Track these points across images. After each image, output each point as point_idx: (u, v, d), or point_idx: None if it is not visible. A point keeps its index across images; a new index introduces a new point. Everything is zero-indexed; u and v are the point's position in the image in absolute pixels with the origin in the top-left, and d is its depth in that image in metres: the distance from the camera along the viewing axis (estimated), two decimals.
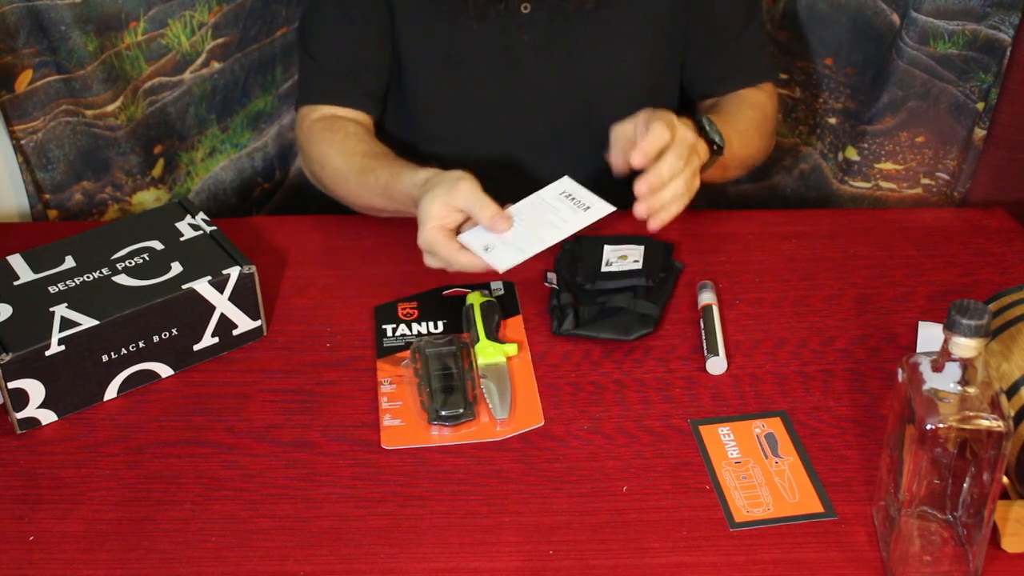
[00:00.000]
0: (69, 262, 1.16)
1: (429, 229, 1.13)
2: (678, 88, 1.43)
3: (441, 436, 1.06)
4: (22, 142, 1.39)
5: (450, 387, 1.09)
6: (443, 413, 1.07)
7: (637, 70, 1.36)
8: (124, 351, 1.10)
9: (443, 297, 1.24)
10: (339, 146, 1.31)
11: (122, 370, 1.11)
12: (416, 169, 1.21)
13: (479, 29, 1.32)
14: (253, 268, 1.15)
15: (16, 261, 1.16)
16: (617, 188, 1.20)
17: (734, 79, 1.40)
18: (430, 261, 1.15)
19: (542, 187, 1.18)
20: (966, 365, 0.85)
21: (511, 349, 1.15)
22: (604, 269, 1.24)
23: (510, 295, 1.24)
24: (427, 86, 1.38)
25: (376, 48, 1.36)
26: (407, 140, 1.42)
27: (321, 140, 1.33)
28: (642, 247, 1.26)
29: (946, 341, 0.85)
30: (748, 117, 1.36)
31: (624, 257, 1.25)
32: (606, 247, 1.27)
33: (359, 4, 1.34)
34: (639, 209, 1.14)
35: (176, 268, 1.14)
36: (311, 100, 1.38)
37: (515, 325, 1.20)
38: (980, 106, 1.43)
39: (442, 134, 1.40)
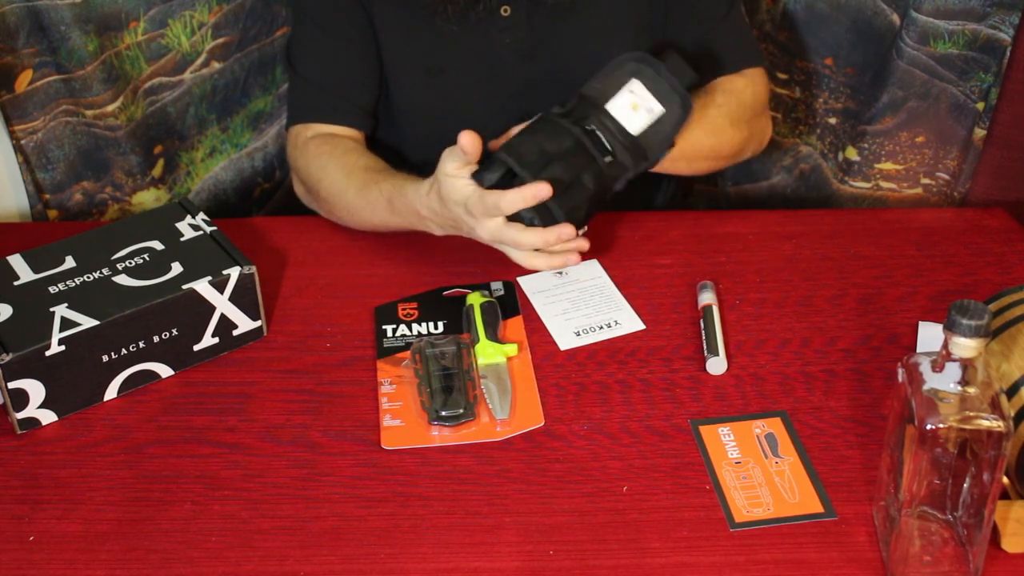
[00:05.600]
0: (69, 262, 1.16)
1: (447, 182, 1.13)
2: None
3: (441, 436, 1.06)
4: (22, 142, 1.38)
5: (450, 387, 1.09)
6: (443, 413, 1.07)
7: None
8: (124, 351, 1.10)
9: (443, 297, 1.24)
10: (339, 160, 1.30)
11: (122, 370, 1.11)
12: (419, 182, 1.21)
13: (460, 37, 1.31)
14: (253, 268, 1.15)
15: (16, 261, 1.16)
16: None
17: (713, 67, 1.37)
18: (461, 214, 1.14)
19: None
20: (966, 365, 0.85)
21: (511, 349, 1.15)
22: (607, 106, 1.15)
23: (510, 295, 1.24)
24: (412, 98, 1.37)
25: (361, 62, 1.36)
26: (397, 150, 1.41)
27: (319, 155, 1.32)
28: (663, 111, 1.16)
29: (946, 341, 0.85)
30: (717, 104, 1.32)
31: (636, 107, 1.15)
32: (633, 80, 1.15)
33: (339, 20, 1.34)
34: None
35: (176, 268, 1.14)
36: (302, 119, 1.37)
37: (515, 325, 1.20)
38: (980, 106, 1.43)
39: (430, 145, 1.39)
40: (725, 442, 1.05)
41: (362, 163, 1.29)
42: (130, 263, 1.15)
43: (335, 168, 1.30)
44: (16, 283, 1.13)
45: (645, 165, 1.18)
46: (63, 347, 1.06)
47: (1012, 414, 0.89)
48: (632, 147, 1.16)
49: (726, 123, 1.33)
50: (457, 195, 1.14)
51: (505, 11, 1.31)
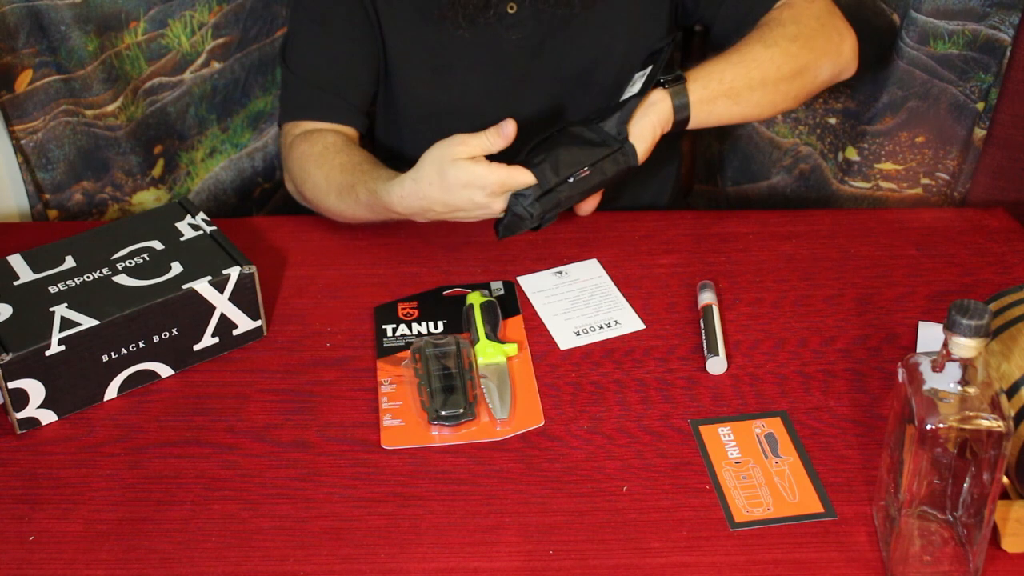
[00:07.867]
0: (69, 262, 1.16)
1: (457, 166, 1.13)
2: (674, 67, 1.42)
3: (441, 436, 1.06)
4: (22, 142, 1.39)
5: (450, 387, 1.09)
6: (443, 413, 1.07)
7: (628, 61, 1.36)
8: (124, 351, 1.10)
9: (443, 297, 1.24)
10: (317, 160, 1.30)
11: (122, 370, 1.11)
12: (391, 182, 1.19)
13: (467, 35, 1.31)
14: (253, 268, 1.15)
15: (16, 261, 1.16)
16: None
17: (747, 22, 1.34)
18: (475, 197, 1.14)
19: None
20: (966, 365, 0.85)
21: (511, 349, 1.15)
22: (623, 97, 1.23)
23: (510, 295, 1.24)
24: (417, 96, 1.37)
25: (359, 61, 1.35)
26: (397, 150, 1.41)
27: (300, 156, 1.32)
28: (648, 68, 1.24)
29: (946, 341, 0.85)
30: (744, 38, 1.30)
31: (634, 84, 1.23)
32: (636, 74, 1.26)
33: (339, 18, 1.33)
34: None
35: (176, 268, 1.14)
36: (293, 116, 1.37)
37: (515, 325, 1.20)
38: (980, 106, 1.43)
39: (434, 143, 1.39)
40: (725, 442, 1.05)
41: (339, 161, 1.28)
42: (130, 263, 1.15)
43: (315, 171, 1.29)
44: (16, 283, 1.13)
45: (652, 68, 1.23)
46: (63, 347, 1.06)
47: (1012, 414, 0.89)
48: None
49: (758, 47, 1.28)
50: (474, 178, 1.13)
51: (511, 8, 1.31)
